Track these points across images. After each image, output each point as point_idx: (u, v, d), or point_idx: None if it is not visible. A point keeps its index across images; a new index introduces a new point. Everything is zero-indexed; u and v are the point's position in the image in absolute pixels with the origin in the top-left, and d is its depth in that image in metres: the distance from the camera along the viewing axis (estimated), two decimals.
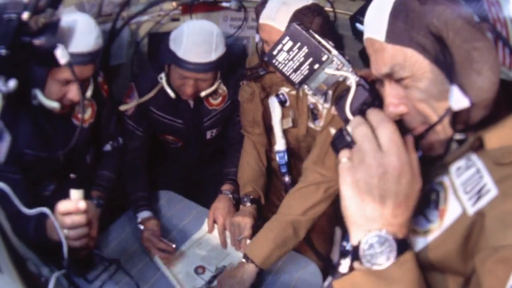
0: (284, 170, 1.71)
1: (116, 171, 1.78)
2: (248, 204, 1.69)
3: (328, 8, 2.16)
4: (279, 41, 0.84)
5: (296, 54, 0.84)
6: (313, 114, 1.61)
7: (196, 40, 1.53)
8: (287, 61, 0.85)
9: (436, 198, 0.75)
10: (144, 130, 1.82)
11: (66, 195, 1.52)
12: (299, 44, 0.83)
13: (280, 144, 1.70)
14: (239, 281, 1.40)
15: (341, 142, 0.74)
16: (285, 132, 1.70)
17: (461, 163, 0.74)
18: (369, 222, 0.65)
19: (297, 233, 1.47)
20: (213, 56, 1.56)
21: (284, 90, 1.65)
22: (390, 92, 0.75)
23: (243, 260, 1.45)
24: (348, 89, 0.81)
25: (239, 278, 1.41)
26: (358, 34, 1.87)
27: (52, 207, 1.22)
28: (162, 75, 1.68)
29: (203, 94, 1.70)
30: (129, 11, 2.11)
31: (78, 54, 1.28)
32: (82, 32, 1.28)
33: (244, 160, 1.83)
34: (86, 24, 1.31)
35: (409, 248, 0.67)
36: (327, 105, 1.53)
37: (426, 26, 0.66)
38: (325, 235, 1.82)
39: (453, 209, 0.71)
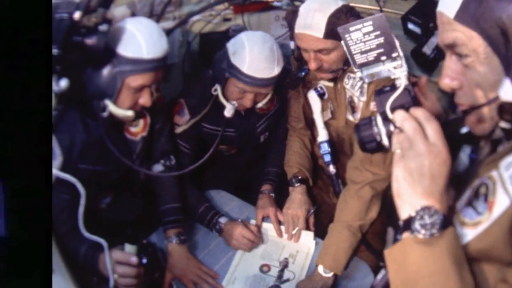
0: (327, 159, 1.69)
1: (179, 197, 1.65)
2: (297, 184, 1.76)
3: (376, 7, 2.15)
4: (361, 21, 0.86)
5: (370, 40, 0.87)
6: (351, 107, 1.62)
7: (261, 56, 1.52)
8: (358, 41, 0.87)
9: (485, 191, 0.78)
10: (192, 148, 1.77)
11: (122, 208, 1.54)
12: (378, 32, 0.86)
13: (322, 135, 1.70)
14: None
15: (366, 129, 0.81)
16: (326, 124, 1.71)
17: (511, 158, 0.76)
18: (419, 199, 0.73)
19: (363, 234, 1.56)
20: (276, 71, 1.56)
21: (322, 83, 1.67)
22: (449, 65, 0.79)
23: (322, 274, 1.48)
24: (393, 86, 0.86)
25: None
26: (410, 34, 1.94)
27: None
28: (218, 87, 1.64)
29: (259, 105, 1.69)
30: (181, 10, 2.11)
31: (153, 60, 1.24)
32: (154, 37, 1.23)
33: (289, 150, 1.89)
34: (156, 29, 1.26)
35: (451, 225, 0.73)
36: (363, 98, 1.56)
37: (495, 20, 0.71)
38: (379, 236, 1.80)
39: (502, 201, 0.73)
